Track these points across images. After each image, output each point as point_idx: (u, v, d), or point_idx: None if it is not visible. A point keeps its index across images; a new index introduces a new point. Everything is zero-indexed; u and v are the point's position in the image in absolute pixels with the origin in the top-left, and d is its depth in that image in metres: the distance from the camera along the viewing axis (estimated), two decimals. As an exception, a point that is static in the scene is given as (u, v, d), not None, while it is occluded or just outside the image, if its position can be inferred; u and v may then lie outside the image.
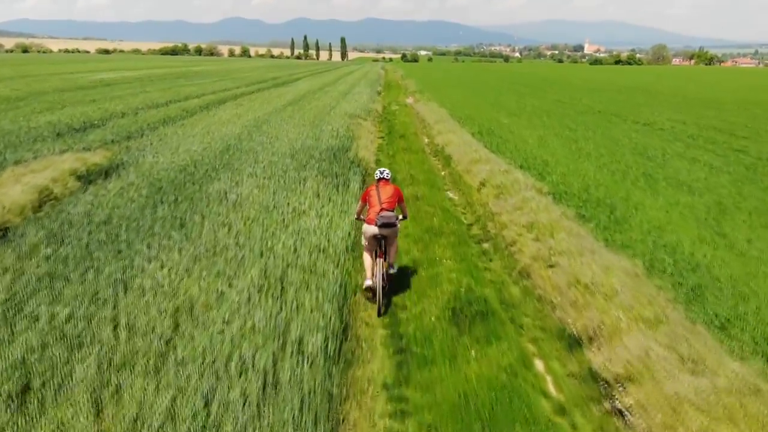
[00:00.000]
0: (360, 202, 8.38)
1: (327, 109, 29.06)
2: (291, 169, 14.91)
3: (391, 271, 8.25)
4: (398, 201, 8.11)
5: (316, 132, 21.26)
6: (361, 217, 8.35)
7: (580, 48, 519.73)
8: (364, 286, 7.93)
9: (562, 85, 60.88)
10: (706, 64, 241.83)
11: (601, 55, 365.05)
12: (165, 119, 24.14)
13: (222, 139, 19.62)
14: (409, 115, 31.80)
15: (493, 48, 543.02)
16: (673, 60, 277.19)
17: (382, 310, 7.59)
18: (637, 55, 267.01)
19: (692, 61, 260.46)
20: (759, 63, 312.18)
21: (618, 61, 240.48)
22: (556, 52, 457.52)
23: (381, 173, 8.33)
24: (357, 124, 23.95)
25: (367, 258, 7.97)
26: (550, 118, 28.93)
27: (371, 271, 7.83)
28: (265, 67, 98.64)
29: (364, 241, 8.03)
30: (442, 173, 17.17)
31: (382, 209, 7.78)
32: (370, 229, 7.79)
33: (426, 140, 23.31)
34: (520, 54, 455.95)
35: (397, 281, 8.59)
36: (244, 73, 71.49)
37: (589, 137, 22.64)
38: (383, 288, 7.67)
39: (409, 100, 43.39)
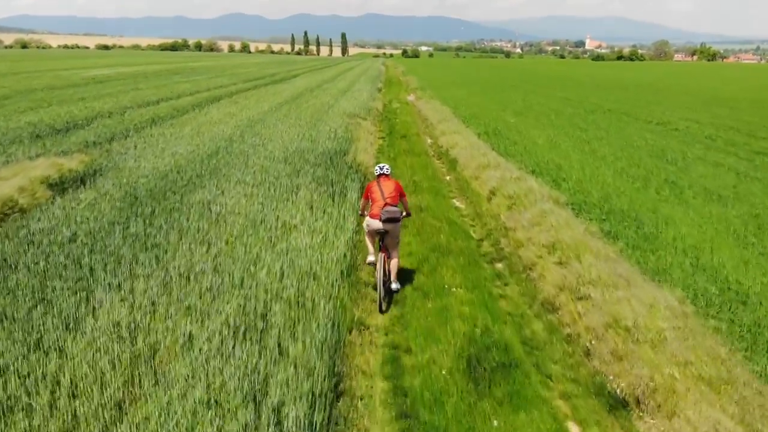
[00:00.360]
0: (363, 200, 8.41)
1: (325, 108, 27.81)
2: (283, 176, 13.67)
3: (394, 286, 7.99)
4: (400, 196, 8.18)
5: (313, 133, 20.01)
6: (365, 213, 8.30)
7: (582, 44, 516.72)
8: (366, 261, 8.24)
9: (567, 82, 59.55)
10: (709, 60, 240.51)
11: (603, 51, 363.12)
12: (154, 119, 22.89)
13: (212, 140, 18.38)
14: (410, 113, 30.54)
15: (494, 44, 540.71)
16: (675, 56, 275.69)
17: (384, 307, 7.61)
18: (639, 51, 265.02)
19: (694, 57, 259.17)
20: (761, 59, 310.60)
21: (620, 57, 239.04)
22: (558, 47, 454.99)
23: (381, 169, 8.33)
24: (356, 124, 22.70)
25: (368, 241, 8.25)
26: (558, 118, 27.66)
27: (373, 249, 8.13)
28: (264, 64, 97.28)
29: (366, 237, 8.24)
30: (447, 178, 15.96)
31: (386, 204, 7.84)
32: (374, 224, 7.85)
33: (429, 141, 22.06)
34: (521, 50, 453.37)
35: (402, 317, 7.39)
36: (242, 69, 70.17)
37: (602, 138, 21.37)
38: (385, 284, 7.66)
39: (411, 98, 42.13)
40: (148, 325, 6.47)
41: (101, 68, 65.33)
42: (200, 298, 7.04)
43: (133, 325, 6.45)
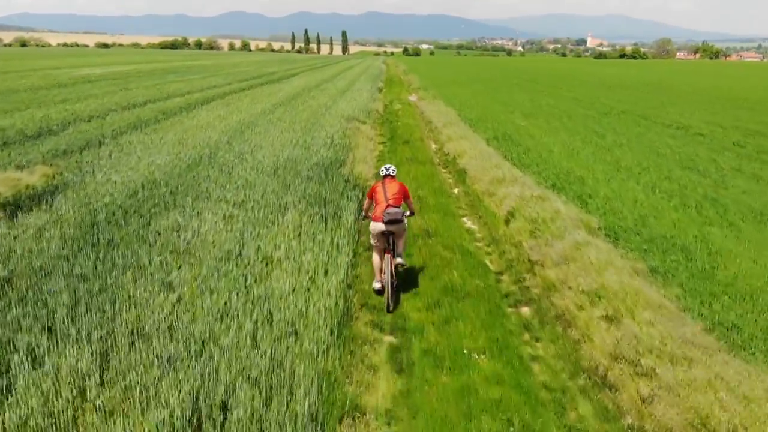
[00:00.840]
0: (366, 200, 8.34)
1: (322, 110, 26.09)
2: (270, 192, 11.97)
3: (399, 261, 8.03)
4: (404, 197, 8.13)
5: (307, 139, 18.32)
6: (369, 214, 8.22)
7: (583, 42, 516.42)
8: (374, 288, 8.00)
9: (573, 81, 57.78)
10: (711, 58, 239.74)
11: (604, 49, 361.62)
12: (136, 123, 21.19)
13: (196, 148, 16.68)
14: (413, 115, 28.82)
15: (495, 42, 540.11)
16: (677, 54, 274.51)
17: (392, 307, 7.54)
18: (642, 50, 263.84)
19: (697, 55, 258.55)
20: (763, 57, 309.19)
21: (623, 55, 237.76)
22: (559, 46, 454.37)
23: (386, 170, 8.27)
24: (355, 129, 21.00)
25: (376, 259, 7.98)
26: (571, 121, 25.94)
27: (380, 272, 7.90)
28: (263, 62, 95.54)
29: (372, 240, 8.02)
30: (456, 191, 14.27)
31: (388, 205, 7.76)
32: (378, 226, 7.77)
33: (434, 147, 20.37)
34: (523, 48, 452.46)
35: (409, 394, 5.69)
36: (240, 68, 68.44)
37: (623, 145, 19.65)
38: (392, 284, 7.59)
39: (413, 98, 40.40)
40: (68, 425, 4.77)
41: (95, 67, 63.68)
42: (138, 383, 5.29)
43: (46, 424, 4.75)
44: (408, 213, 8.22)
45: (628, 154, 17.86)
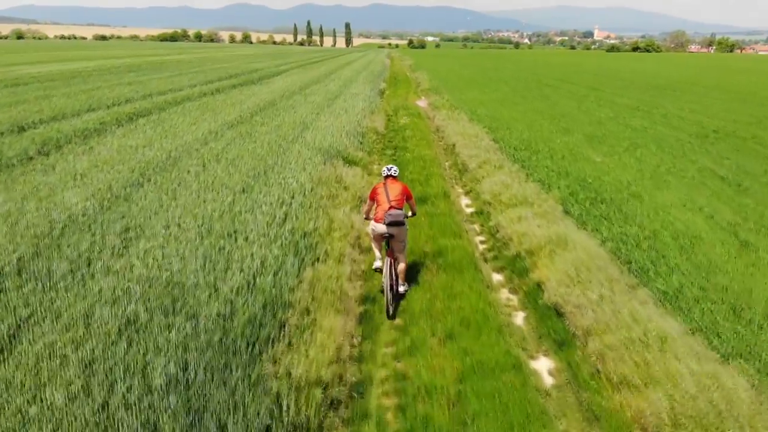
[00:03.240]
0: (368, 201, 8.05)
1: (292, 137, 17.59)
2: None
3: (402, 289, 7.70)
4: (406, 198, 7.87)
5: (236, 223, 9.69)
6: (370, 216, 7.97)
7: (590, 34, 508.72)
8: (374, 267, 8.03)
9: (613, 80, 48.89)
10: (728, 51, 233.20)
11: (612, 41, 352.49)
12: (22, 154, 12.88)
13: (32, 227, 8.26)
14: (426, 137, 20.26)
15: (501, 34, 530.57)
16: (690, 47, 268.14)
17: (392, 312, 7.29)
18: (656, 43, 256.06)
19: (711, 49, 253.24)
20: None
21: (636, 48, 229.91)
22: (566, 38, 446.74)
23: (388, 170, 8.01)
24: (335, 182, 12.40)
25: (374, 247, 7.97)
26: (665, 151, 17.36)
27: (380, 253, 7.88)
28: (254, 56, 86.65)
29: (372, 242, 7.95)
30: (552, 371, 5.82)
31: (390, 207, 7.53)
32: (379, 228, 7.60)
33: (468, 211, 11.92)
34: (530, 40, 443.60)
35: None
36: (222, 63, 59.61)
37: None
38: (392, 289, 7.34)
39: (422, 104, 31.83)
40: None
41: (66, 62, 55.30)
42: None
43: None
44: (410, 214, 8.05)
45: None
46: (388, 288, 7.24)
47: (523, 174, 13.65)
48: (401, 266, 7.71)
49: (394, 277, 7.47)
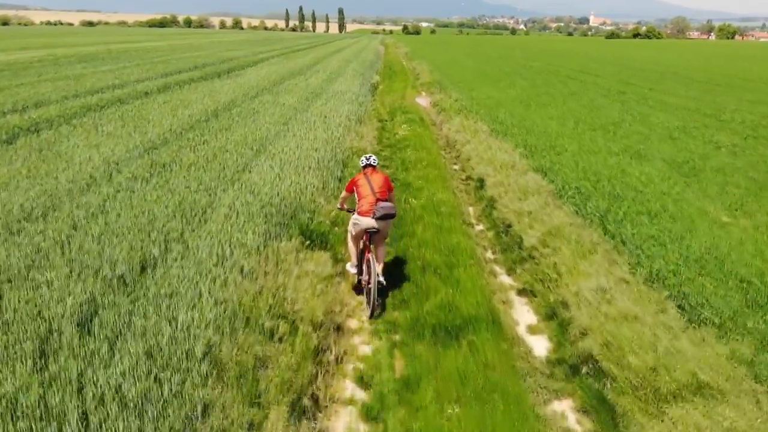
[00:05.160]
0: (345, 193, 7.46)
1: (237, 166, 11.40)
2: None
3: (380, 280, 6.90)
4: (389, 190, 7.25)
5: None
6: (344, 206, 7.55)
7: (586, 20, 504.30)
8: (348, 269, 7.50)
9: (631, 70, 42.54)
10: (729, 38, 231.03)
11: (608, 27, 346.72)
12: None
13: None
14: (436, 164, 13.97)
15: (496, 20, 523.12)
16: (689, 34, 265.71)
17: (376, 312, 6.88)
18: (657, 29, 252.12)
19: (711, 35, 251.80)
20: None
21: (636, 35, 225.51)
22: (562, 24, 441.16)
23: (367, 159, 7.42)
24: (271, 306, 6.17)
25: (351, 246, 7.38)
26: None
27: (356, 258, 7.33)
28: (236, 42, 79.58)
29: (351, 232, 7.24)
30: None
31: (377, 199, 6.97)
32: (365, 222, 6.93)
33: (544, 355, 5.73)
34: (525, 26, 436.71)
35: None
36: (192, 52, 52.51)
37: None
38: (375, 288, 6.75)
39: (423, 102, 25.66)
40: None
41: (20, 50, 48.50)
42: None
43: None
44: None
45: None
46: (372, 286, 6.69)
47: (606, 242, 7.60)
48: (380, 258, 7.11)
49: (377, 276, 6.77)
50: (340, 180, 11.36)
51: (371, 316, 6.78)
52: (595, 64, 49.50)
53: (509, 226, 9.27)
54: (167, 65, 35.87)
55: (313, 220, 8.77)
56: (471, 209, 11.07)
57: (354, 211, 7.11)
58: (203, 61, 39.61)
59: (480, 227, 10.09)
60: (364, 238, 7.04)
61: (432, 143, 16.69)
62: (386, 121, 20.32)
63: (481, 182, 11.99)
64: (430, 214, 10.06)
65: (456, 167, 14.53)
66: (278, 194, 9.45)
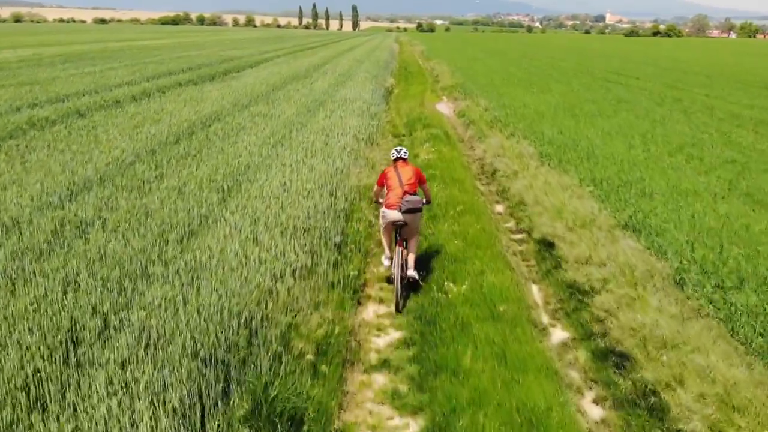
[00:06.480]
0: (376, 186, 7.36)
1: (206, 208, 7.68)
2: None
3: (411, 275, 6.81)
4: (420, 183, 7.17)
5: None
6: (380, 200, 7.32)
7: (602, 18, 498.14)
8: (383, 262, 7.31)
9: (673, 72, 38.37)
10: (750, 37, 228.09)
11: (624, 25, 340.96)
12: None
13: None
14: (475, 211, 10.08)
15: (511, 18, 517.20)
16: (709, 32, 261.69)
17: (401, 304, 6.67)
18: (677, 27, 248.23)
19: (731, 34, 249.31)
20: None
21: (656, 33, 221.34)
22: (578, 22, 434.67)
23: (398, 152, 7.25)
24: None
25: (384, 238, 7.20)
26: None
27: (390, 249, 7.12)
28: (242, 41, 75.87)
29: (381, 225, 7.15)
30: None
31: (405, 192, 6.82)
32: (391, 215, 6.86)
33: None
34: (541, 24, 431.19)
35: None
36: (191, 51, 48.75)
37: None
38: (402, 279, 6.70)
39: (445, 110, 21.86)
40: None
41: (11, 48, 45.20)
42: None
43: None
44: (424, 201, 7.24)
45: None
46: (398, 279, 6.59)
47: None
48: (411, 256, 6.95)
49: (404, 269, 6.76)
50: (339, 249, 7.56)
51: (397, 309, 6.61)
52: (630, 65, 45.24)
53: (627, 360, 5.36)
54: (159, 66, 32.21)
55: (284, 370, 4.88)
56: (539, 298, 7.22)
57: (382, 204, 7.00)
58: (200, 62, 35.93)
59: (570, 355, 6.11)
60: (395, 231, 6.89)
61: (464, 171, 12.87)
62: (403, 136, 16.56)
63: (550, 246, 8.14)
64: (481, 317, 6.24)
65: (500, 209, 10.71)
66: (235, 296, 5.66)
